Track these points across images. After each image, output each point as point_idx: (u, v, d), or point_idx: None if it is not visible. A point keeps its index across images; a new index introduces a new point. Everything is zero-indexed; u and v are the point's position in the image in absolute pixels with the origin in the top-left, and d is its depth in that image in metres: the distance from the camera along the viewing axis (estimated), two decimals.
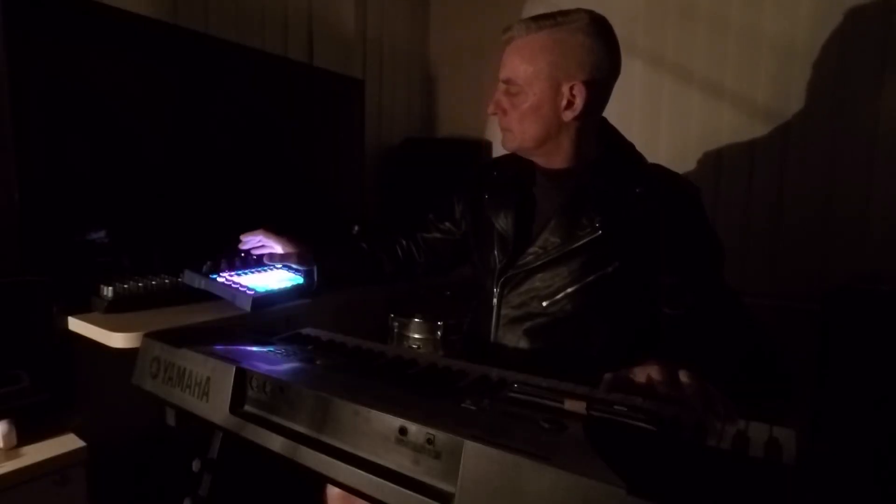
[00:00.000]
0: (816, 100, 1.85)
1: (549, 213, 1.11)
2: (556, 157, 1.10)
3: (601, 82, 1.05)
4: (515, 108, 1.06)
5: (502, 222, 1.16)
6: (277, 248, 1.37)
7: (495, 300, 1.14)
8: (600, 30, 1.03)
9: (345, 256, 1.38)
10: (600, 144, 1.12)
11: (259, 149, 1.85)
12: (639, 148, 1.16)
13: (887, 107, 1.75)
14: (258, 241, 1.34)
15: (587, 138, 1.09)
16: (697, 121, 2.07)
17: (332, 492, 1.11)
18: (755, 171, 1.97)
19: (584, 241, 1.04)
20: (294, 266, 1.35)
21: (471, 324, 1.29)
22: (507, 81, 1.05)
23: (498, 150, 2.61)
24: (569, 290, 1.06)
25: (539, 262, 1.08)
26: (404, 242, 1.42)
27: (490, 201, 1.21)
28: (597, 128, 1.12)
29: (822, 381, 1.56)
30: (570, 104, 1.04)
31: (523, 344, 1.10)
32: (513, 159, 1.20)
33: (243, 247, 1.34)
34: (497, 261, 1.15)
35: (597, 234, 1.04)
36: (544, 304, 1.08)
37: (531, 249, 1.10)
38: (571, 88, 1.03)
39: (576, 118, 1.05)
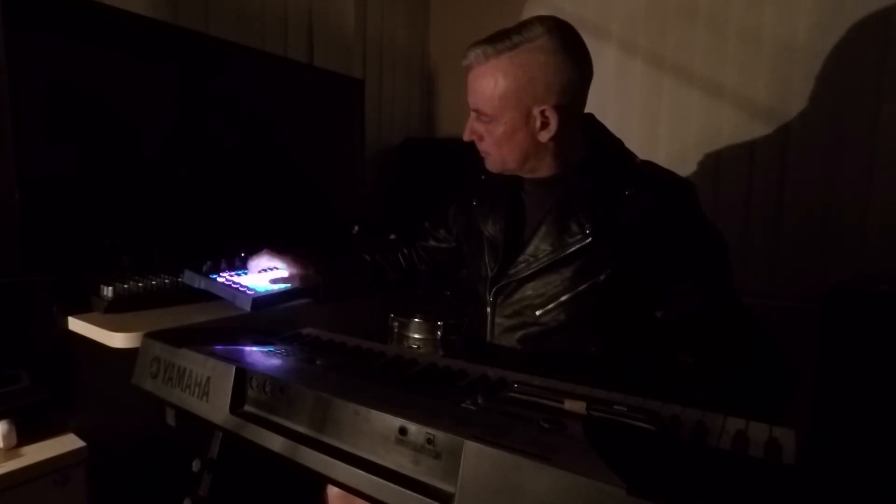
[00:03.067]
0: (816, 100, 1.85)
1: (539, 218, 1.08)
2: (542, 170, 1.07)
3: (574, 95, 1.00)
4: (490, 134, 1.03)
5: (491, 229, 1.14)
6: (281, 268, 1.32)
7: (489, 309, 1.12)
8: (563, 43, 0.97)
9: (349, 271, 1.36)
10: (587, 143, 1.09)
11: (259, 149, 1.85)
12: (639, 148, 1.14)
13: (887, 106, 1.75)
14: (265, 262, 1.31)
15: (571, 145, 1.06)
16: (697, 121, 2.07)
17: (332, 492, 1.11)
18: (755, 171, 1.97)
19: (575, 248, 1.01)
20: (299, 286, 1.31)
21: (468, 329, 1.28)
22: (476, 111, 1.02)
23: None
24: (561, 298, 1.03)
25: (530, 271, 1.06)
26: (406, 251, 1.41)
27: (479, 207, 1.20)
28: (580, 129, 1.08)
29: (822, 381, 1.56)
30: (544, 126, 1.00)
31: (519, 350, 1.08)
32: (497, 178, 1.19)
33: (252, 270, 1.32)
34: (488, 268, 1.13)
35: (587, 240, 1.00)
36: (537, 313, 1.05)
37: (522, 257, 1.07)
38: (543, 112, 0.98)
39: (553, 137, 1.00)
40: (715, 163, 2.04)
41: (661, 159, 1.15)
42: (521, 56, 0.96)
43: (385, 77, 2.61)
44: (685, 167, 2.07)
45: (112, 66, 1.42)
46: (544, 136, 1.00)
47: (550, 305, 1.04)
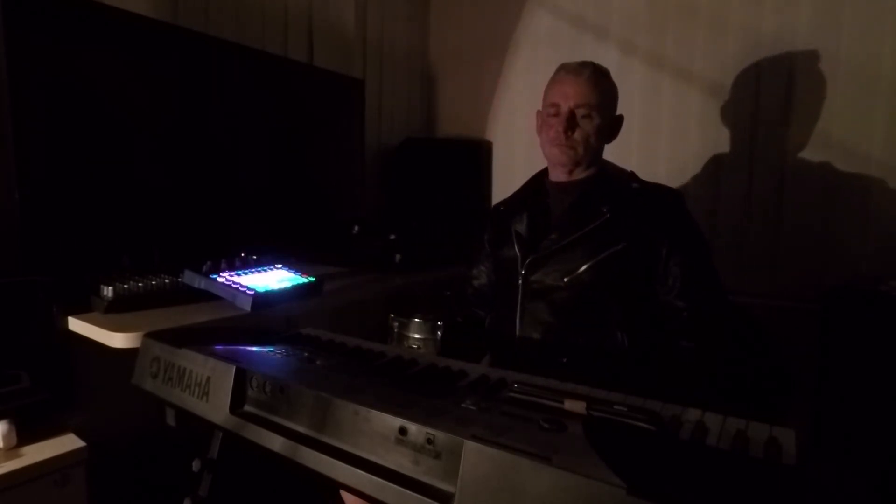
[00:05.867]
0: (816, 99, 1.85)
1: (562, 210, 1.32)
2: (577, 171, 1.33)
3: None
4: (587, 125, 1.27)
5: (519, 225, 1.35)
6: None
7: (520, 281, 1.28)
8: None
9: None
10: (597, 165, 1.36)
11: (259, 149, 1.86)
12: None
13: (886, 106, 1.75)
14: None
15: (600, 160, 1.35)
16: (697, 121, 2.07)
17: (349, 499, 1.11)
18: (755, 171, 1.97)
19: (596, 224, 1.23)
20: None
21: (493, 319, 1.40)
22: (580, 106, 1.26)
23: (498, 151, 2.61)
24: (586, 265, 1.22)
25: (558, 246, 1.26)
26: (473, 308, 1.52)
27: (506, 211, 1.42)
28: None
29: (822, 381, 1.56)
30: (613, 132, 1.34)
31: (547, 317, 1.24)
32: (525, 189, 1.43)
33: None
34: (517, 252, 1.31)
35: (605, 217, 1.23)
36: (565, 279, 1.24)
37: (551, 236, 1.28)
38: (617, 120, 1.34)
39: (608, 142, 1.34)
40: (715, 162, 2.04)
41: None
42: (610, 79, 1.33)
43: (385, 77, 2.61)
44: (685, 167, 2.07)
45: (112, 66, 1.42)
46: (609, 140, 1.34)
47: (577, 272, 1.23)
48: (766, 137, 1.94)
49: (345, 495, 1.13)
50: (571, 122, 1.27)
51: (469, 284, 1.52)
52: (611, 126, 1.33)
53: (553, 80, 1.33)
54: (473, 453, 0.53)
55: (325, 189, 2.17)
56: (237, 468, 0.91)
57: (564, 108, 1.27)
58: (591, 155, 1.30)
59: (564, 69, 1.31)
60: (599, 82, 1.28)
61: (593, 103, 1.26)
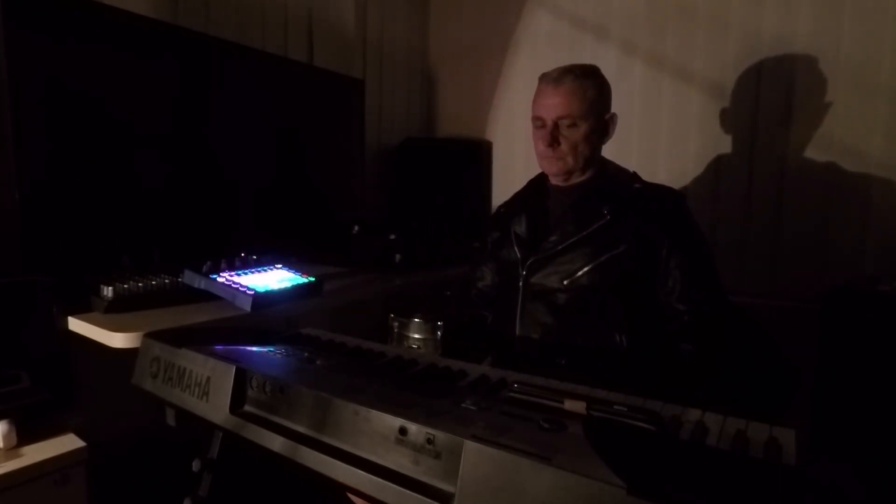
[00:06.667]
0: (817, 99, 1.85)
1: (563, 211, 1.30)
2: (573, 178, 1.31)
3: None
4: (572, 136, 1.25)
5: (518, 227, 1.35)
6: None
7: (521, 283, 1.28)
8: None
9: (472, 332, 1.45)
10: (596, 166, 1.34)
11: (259, 149, 1.86)
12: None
13: (886, 106, 1.75)
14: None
15: (597, 160, 1.33)
16: (697, 121, 2.07)
17: (357, 501, 1.11)
18: (755, 172, 1.97)
19: (596, 226, 1.22)
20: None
21: (494, 319, 1.41)
22: (562, 117, 1.24)
23: (498, 151, 2.61)
24: (585, 268, 1.22)
25: (558, 248, 1.25)
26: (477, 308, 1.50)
27: (507, 213, 1.42)
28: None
29: (822, 381, 1.56)
30: (606, 132, 1.30)
31: (547, 318, 1.24)
32: (525, 190, 1.43)
33: None
34: (517, 254, 1.31)
35: (606, 219, 1.22)
36: (565, 282, 1.23)
37: (551, 238, 1.27)
38: (609, 119, 1.30)
39: (604, 143, 1.31)
40: (715, 163, 2.04)
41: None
42: (598, 79, 1.28)
43: (385, 77, 2.61)
44: (685, 167, 2.07)
45: (112, 66, 1.42)
46: (605, 141, 1.31)
47: (577, 275, 1.22)
48: (766, 138, 1.95)
49: (353, 498, 1.13)
50: (555, 135, 1.25)
51: (473, 286, 1.52)
52: (603, 127, 1.30)
53: (536, 92, 1.30)
54: (473, 453, 0.53)
55: (325, 189, 2.17)
56: (237, 468, 0.91)
57: (548, 121, 1.25)
58: (584, 161, 1.27)
59: (545, 79, 1.28)
60: (581, 89, 1.24)
61: (576, 113, 1.23)
